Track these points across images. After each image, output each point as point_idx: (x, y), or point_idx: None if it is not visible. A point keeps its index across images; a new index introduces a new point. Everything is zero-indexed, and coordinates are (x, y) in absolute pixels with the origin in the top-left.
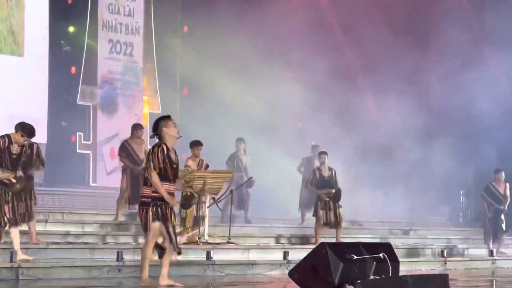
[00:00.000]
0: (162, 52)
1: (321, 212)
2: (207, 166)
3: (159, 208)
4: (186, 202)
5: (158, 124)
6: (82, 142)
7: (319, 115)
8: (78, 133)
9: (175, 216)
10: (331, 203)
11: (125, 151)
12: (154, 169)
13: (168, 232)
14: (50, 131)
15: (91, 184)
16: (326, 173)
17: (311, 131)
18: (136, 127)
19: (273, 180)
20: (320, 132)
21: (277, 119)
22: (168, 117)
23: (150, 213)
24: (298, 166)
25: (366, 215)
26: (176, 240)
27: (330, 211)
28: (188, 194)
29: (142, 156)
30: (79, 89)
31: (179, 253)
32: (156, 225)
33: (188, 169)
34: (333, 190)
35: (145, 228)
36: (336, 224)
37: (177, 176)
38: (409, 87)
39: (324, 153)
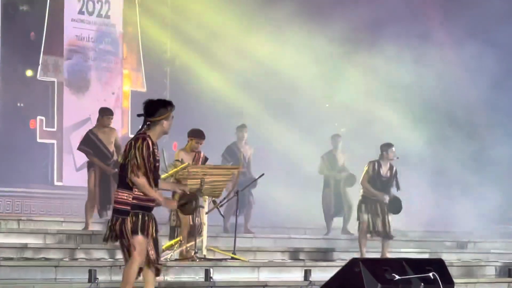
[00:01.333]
0: (148, 12)
1: (365, 216)
2: (206, 159)
3: (139, 218)
4: (186, 203)
5: (158, 110)
6: (44, 128)
7: (349, 88)
8: (38, 117)
9: (157, 228)
10: (380, 208)
11: (90, 144)
12: (137, 170)
13: (148, 248)
14: (3, 115)
15: (56, 183)
16: (385, 171)
17: (341, 114)
18: (104, 113)
19: (290, 178)
20: (351, 114)
21: (295, 97)
22: (172, 106)
23: (129, 225)
24: (319, 167)
25: (411, 222)
26: (156, 257)
27: (377, 218)
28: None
29: (112, 148)
30: (40, 61)
31: (157, 274)
32: (142, 239)
33: (178, 164)
34: (387, 197)
35: (117, 240)
36: (384, 234)
37: (158, 178)
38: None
39: (390, 145)
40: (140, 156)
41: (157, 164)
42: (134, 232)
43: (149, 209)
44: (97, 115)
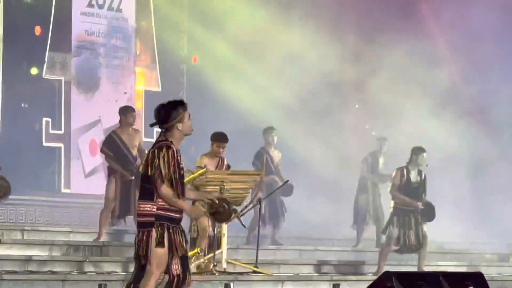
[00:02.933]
0: (163, 5)
1: (396, 231)
2: (229, 167)
3: (165, 230)
4: (216, 213)
5: (170, 114)
6: (51, 131)
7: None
8: (44, 119)
9: (187, 241)
10: (413, 219)
11: (113, 147)
12: (163, 181)
13: (171, 264)
14: (5, 117)
15: (63, 190)
16: (414, 178)
17: (372, 117)
18: (126, 111)
19: (317, 185)
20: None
21: (320, 98)
22: (183, 105)
23: (154, 235)
24: (362, 167)
25: (448, 233)
26: (186, 273)
27: (410, 231)
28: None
29: (135, 152)
30: (46, 58)
31: None
32: (161, 252)
33: (197, 170)
34: (420, 204)
35: (145, 257)
36: (418, 246)
37: (184, 187)
38: None
39: (422, 150)
40: (165, 166)
41: (182, 172)
42: (157, 244)
43: (176, 221)
44: (108, 116)
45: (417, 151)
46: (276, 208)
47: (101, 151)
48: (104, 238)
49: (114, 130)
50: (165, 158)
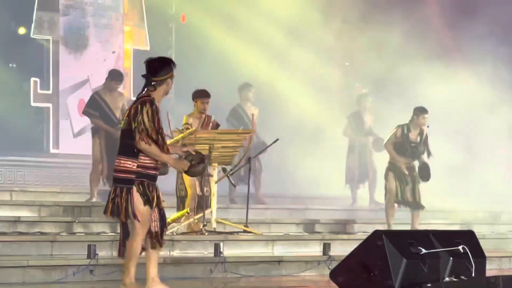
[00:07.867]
0: None
1: (393, 184)
2: (218, 125)
3: (145, 187)
4: (192, 165)
5: (163, 68)
6: (39, 91)
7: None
8: (32, 79)
9: (160, 198)
10: (409, 176)
11: (96, 107)
12: (147, 135)
13: (151, 221)
14: None
15: (52, 150)
16: (414, 136)
17: (364, 73)
18: (113, 76)
19: (307, 142)
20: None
21: (310, 55)
22: (175, 64)
23: (137, 195)
24: (344, 128)
25: (438, 190)
26: (159, 230)
27: (406, 186)
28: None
29: (119, 114)
30: (34, 17)
31: (153, 247)
32: (145, 210)
33: (186, 129)
34: (415, 162)
35: (126, 216)
36: (414, 204)
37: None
38: None
39: (423, 111)
40: (150, 121)
41: (163, 130)
42: (146, 202)
43: (154, 178)
44: (96, 76)
45: (418, 111)
46: (254, 165)
47: (83, 112)
48: (96, 198)
49: (97, 91)
50: (149, 113)
